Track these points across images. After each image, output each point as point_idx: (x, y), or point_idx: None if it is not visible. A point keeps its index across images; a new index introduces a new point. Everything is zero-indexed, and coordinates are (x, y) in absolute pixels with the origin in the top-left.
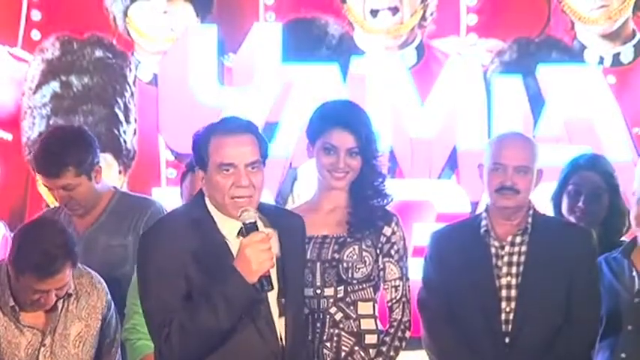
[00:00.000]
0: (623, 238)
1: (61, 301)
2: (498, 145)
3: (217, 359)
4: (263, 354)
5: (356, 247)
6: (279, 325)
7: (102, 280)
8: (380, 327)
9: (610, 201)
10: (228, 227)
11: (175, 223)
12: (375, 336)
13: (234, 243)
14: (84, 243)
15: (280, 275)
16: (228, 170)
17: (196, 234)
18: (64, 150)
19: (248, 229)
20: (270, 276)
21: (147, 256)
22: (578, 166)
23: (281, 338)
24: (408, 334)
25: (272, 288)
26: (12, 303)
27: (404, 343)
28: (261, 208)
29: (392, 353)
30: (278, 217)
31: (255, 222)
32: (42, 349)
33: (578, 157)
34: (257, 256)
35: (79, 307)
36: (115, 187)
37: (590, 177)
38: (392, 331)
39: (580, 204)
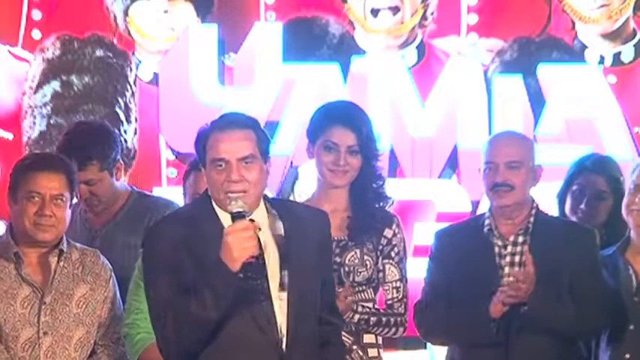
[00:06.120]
0: None
1: (55, 259)
2: (489, 145)
3: (214, 351)
4: (261, 346)
5: (357, 250)
6: (281, 316)
7: (107, 262)
8: None
9: (613, 205)
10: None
11: (178, 218)
12: (374, 335)
13: None
14: (101, 240)
15: (282, 265)
16: (221, 166)
17: (196, 229)
18: (90, 144)
19: (234, 218)
20: (253, 263)
21: (148, 249)
22: (584, 167)
23: (281, 330)
24: (401, 330)
25: (257, 276)
26: (15, 249)
27: (393, 331)
28: (274, 203)
29: (374, 325)
30: (290, 210)
31: (243, 211)
32: (43, 306)
33: (586, 157)
34: (239, 243)
35: (84, 271)
36: (132, 187)
37: (595, 179)
38: (389, 311)
39: (582, 206)
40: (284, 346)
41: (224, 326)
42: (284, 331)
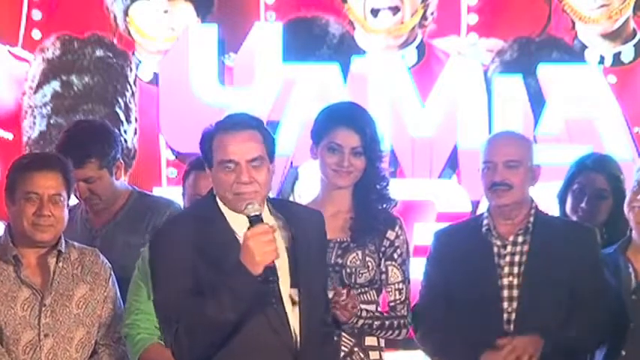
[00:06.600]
0: None
1: (54, 260)
2: (488, 145)
3: (229, 354)
4: (276, 347)
5: (359, 252)
6: (293, 318)
7: (106, 261)
8: None
9: (614, 204)
10: (239, 223)
11: (185, 220)
12: (376, 338)
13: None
14: (101, 240)
15: (292, 267)
16: (230, 167)
17: (205, 230)
18: (89, 142)
19: (252, 222)
20: (274, 267)
21: (156, 252)
22: (584, 166)
23: (294, 331)
24: (404, 332)
25: (277, 279)
26: (14, 251)
27: (396, 333)
28: (274, 203)
29: (377, 329)
30: (291, 211)
31: (260, 214)
32: (43, 308)
33: (586, 156)
34: (260, 247)
35: (83, 271)
36: (132, 187)
37: (595, 178)
38: (392, 314)
39: (583, 204)
40: (298, 346)
41: (239, 329)
42: (297, 331)
